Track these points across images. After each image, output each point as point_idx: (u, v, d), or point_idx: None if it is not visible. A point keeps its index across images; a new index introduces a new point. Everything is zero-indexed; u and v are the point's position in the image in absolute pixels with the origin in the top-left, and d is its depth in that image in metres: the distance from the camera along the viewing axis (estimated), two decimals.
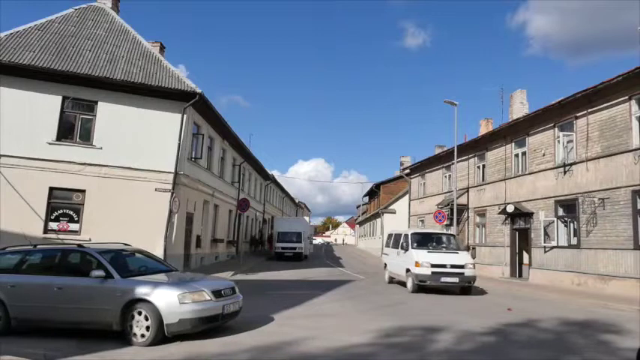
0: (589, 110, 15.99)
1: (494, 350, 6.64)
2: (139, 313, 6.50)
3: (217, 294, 7.09)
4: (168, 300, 6.50)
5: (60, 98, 15.11)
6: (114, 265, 7.06)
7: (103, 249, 7.61)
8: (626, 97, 14.52)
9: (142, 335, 6.44)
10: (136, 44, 18.27)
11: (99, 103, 15.55)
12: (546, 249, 17.65)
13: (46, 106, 14.88)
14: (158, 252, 15.35)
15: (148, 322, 6.44)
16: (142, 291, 6.58)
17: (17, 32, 15.91)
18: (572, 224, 16.86)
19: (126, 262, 7.77)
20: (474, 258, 23.38)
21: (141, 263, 8.16)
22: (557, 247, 17.12)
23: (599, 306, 11.88)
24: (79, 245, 7.67)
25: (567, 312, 10.53)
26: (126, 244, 8.51)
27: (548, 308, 11.26)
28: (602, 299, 12.79)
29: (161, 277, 7.47)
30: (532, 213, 18.67)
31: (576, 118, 16.64)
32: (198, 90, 16.23)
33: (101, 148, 15.27)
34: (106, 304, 6.61)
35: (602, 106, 15.47)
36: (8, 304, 7.06)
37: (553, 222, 17.40)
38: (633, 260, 13.81)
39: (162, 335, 6.44)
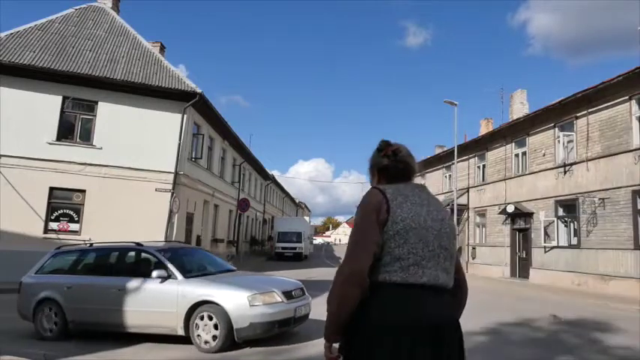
0: (589, 110, 15.98)
1: (490, 350, 6.64)
2: (206, 317, 6.08)
3: (288, 295, 6.57)
4: (237, 302, 6.03)
5: (60, 98, 15.11)
6: (175, 264, 6.61)
7: (162, 247, 7.25)
8: (627, 97, 14.51)
9: (211, 339, 6.03)
10: (136, 44, 18.28)
11: (99, 103, 15.55)
12: (546, 249, 17.65)
13: (46, 106, 14.89)
14: None
15: (216, 327, 6.02)
16: (207, 292, 6.15)
17: (17, 32, 15.92)
18: (572, 224, 16.86)
19: (186, 261, 7.27)
20: (473, 258, 23.45)
21: (200, 261, 7.68)
22: (558, 247, 17.11)
23: (599, 306, 11.88)
24: (138, 243, 7.22)
25: (566, 312, 10.52)
26: (179, 242, 8.32)
27: (546, 308, 11.25)
28: (603, 299, 12.78)
29: (225, 276, 7.01)
30: (532, 213, 18.66)
31: (576, 118, 16.64)
32: (199, 90, 16.23)
33: (101, 148, 15.28)
34: (169, 306, 6.21)
35: (602, 106, 15.47)
36: (65, 307, 6.72)
37: (553, 222, 17.39)
38: (633, 260, 13.81)
39: (232, 341, 6.04)
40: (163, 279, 6.34)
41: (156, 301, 6.31)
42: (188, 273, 6.65)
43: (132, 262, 7.07)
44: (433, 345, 1.67)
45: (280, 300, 6.34)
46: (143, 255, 6.99)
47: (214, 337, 6.01)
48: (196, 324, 6.09)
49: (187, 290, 6.21)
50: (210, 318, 6.05)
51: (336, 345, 1.81)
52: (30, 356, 5.39)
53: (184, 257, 7.37)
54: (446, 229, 1.84)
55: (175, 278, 6.36)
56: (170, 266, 6.50)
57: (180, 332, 6.17)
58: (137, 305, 6.36)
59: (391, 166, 1.94)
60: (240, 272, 7.85)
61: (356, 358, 1.71)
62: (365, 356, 1.68)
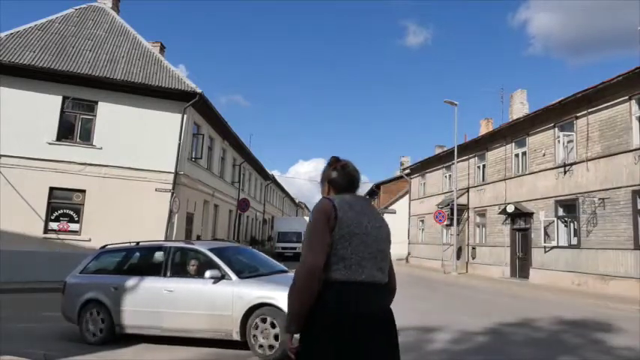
0: (589, 110, 15.98)
1: (492, 350, 6.64)
2: (264, 320, 5.67)
3: None
4: None
5: (60, 98, 15.11)
6: (228, 263, 6.24)
7: (213, 245, 6.85)
8: (627, 97, 14.51)
9: (270, 346, 5.60)
10: (136, 44, 18.28)
11: (99, 103, 15.56)
12: (546, 249, 17.65)
13: (47, 106, 14.89)
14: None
15: (276, 330, 5.56)
16: (266, 294, 5.74)
17: (17, 32, 15.92)
18: (572, 224, 16.85)
19: (238, 261, 6.85)
20: (473, 258, 23.45)
21: (251, 261, 7.31)
22: (558, 247, 17.11)
23: (599, 306, 11.88)
24: (188, 242, 6.93)
25: (566, 312, 10.53)
26: (225, 240, 7.99)
27: (546, 308, 11.25)
28: (603, 299, 12.78)
29: (281, 277, 6.50)
30: (532, 213, 18.66)
31: (576, 118, 16.64)
32: (199, 90, 16.24)
33: (101, 148, 15.28)
34: (223, 309, 5.83)
35: (602, 106, 15.46)
36: (112, 309, 6.41)
37: (553, 222, 17.39)
38: (633, 260, 13.80)
39: None
40: (217, 279, 5.99)
41: (209, 303, 5.93)
42: (241, 273, 6.26)
43: (182, 262, 6.72)
44: (371, 333, 1.99)
45: None
46: (193, 254, 6.66)
47: (276, 341, 5.58)
48: (254, 328, 5.69)
49: (244, 292, 5.82)
50: (269, 322, 5.65)
51: (296, 336, 2.07)
52: (30, 356, 5.38)
53: (235, 256, 6.95)
54: (382, 235, 2.18)
55: (230, 279, 6.01)
56: (224, 266, 6.14)
57: (236, 337, 5.81)
58: (189, 307, 5.99)
59: (339, 178, 2.27)
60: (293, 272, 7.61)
61: (310, 347, 2.00)
62: (316, 345, 1.98)
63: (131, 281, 6.54)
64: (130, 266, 6.99)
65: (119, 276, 6.75)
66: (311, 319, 2.00)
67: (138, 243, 7.20)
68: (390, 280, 2.26)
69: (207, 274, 5.97)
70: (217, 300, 5.91)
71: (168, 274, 6.45)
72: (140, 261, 7.06)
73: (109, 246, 7.48)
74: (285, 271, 7.13)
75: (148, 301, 6.26)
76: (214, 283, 5.98)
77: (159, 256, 6.85)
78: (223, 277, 6.02)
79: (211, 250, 6.51)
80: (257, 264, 7.18)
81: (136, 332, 6.44)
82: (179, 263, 6.68)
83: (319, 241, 2.03)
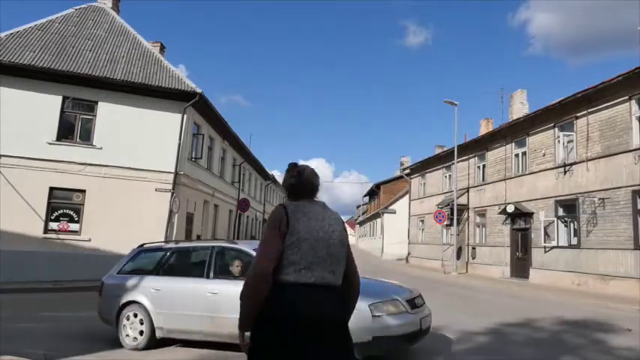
0: (589, 110, 15.98)
1: (493, 350, 6.64)
2: None
3: (412, 304, 5.67)
4: (356, 312, 5.03)
5: (60, 98, 15.11)
6: None
7: (257, 245, 6.48)
8: (627, 97, 14.52)
9: None
10: (136, 44, 18.28)
11: (99, 103, 15.55)
12: (546, 249, 17.65)
13: (46, 106, 14.88)
14: None
15: None
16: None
17: (17, 32, 15.92)
18: (572, 224, 16.85)
19: None
20: (473, 258, 23.45)
21: None
22: (558, 247, 17.11)
23: (600, 306, 11.88)
24: (231, 241, 6.63)
25: (567, 312, 10.52)
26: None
27: (547, 308, 11.25)
28: (603, 299, 12.78)
29: None
30: (532, 213, 18.66)
31: (576, 118, 16.64)
32: (199, 90, 16.24)
33: (101, 148, 15.28)
34: None
35: (602, 106, 15.47)
36: (153, 312, 6.15)
37: (553, 222, 17.40)
38: (633, 260, 13.81)
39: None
40: None
41: None
42: None
43: (225, 263, 6.36)
44: (319, 331, 2.11)
45: (405, 310, 5.45)
46: (237, 254, 6.30)
47: None
48: None
49: None
50: None
51: (247, 333, 2.23)
52: (30, 356, 5.38)
53: None
54: (334, 240, 2.27)
55: None
56: None
57: None
58: (234, 311, 5.40)
59: (297, 184, 2.39)
60: None
61: (259, 343, 2.14)
62: (265, 342, 2.12)
63: (172, 282, 6.28)
64: (170, 267, 6.64)
65: (159, 277, 6.45)
66: (261, 317, 2.16)
67: (177, 242, 6.85)
68: (351, 282, 2.40)
69: None
70: None
71: (211, 275, 6.14)
72: (180, 261, 6.75)
73: (146, 245, 7.22)
74: None
75: (191, 304, 5.98)
76: None
77: (201, 256, 6.55)
78: None
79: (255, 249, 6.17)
80: None
81: (177, 337, 6.20)
82: (222, 264, 6.32)
83: (270, 247, 2.19)
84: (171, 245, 6.94)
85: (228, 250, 6.48)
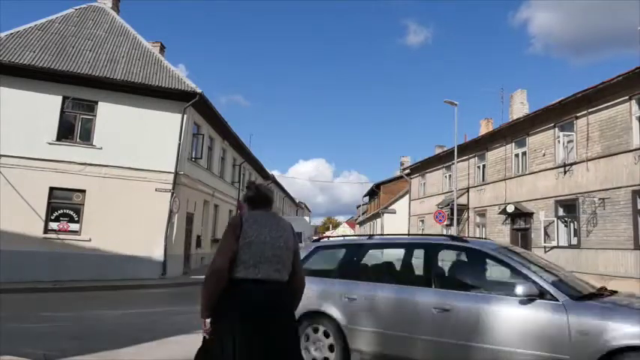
0: (589, 110, 15.99)
1: None
2: None
3: None
4: None
5: (60, 98, 15.12)
6: (537, 274, 4.16)
7: (497, 245, 4.76)
8: (627, 97, 14.52)
9: None
10: (136, 44, 18.29)
11: (99, 103, 15.56)
12: (546, 249, 17.65)
13: (47, 106, 14.89)
14: (158, 252, 15.40)
15: None
16: (631, 331, 3.44)
17: (17, 32, 15.93)
18: (572, 224, 16.86)
19: (539, 269, 4.45)
20: None
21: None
22: (558, 247, 17.12)
23: None
24: (460, 238, 4.98)
25: None
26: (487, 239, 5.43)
27: None
28: None
29: (622, 300, 4.33)
30: (532, 213, 18.67)
31: (576, 118, 16.65)
32: (199, 90, 16.25)
33: (101, 148, 15.28)
34: (552, 349, 3.68)
35: (602, 106, 15.47)
36: (346, 328, 4.70)
37: (553, 222, 17.40)
38: (634, 260, 13.81)
39: None
40: (530, 299, 3.89)
41: (518, 336, 3.86)
42: (573, 292, 4.13)
43: (456, 267, 4.90)
44: (263, 317, 2.53)
45: None
46: (474, 256, 4.70)
47: None
48: None
49: (589, 325, 3.60)
50: None
51: (208, 320, 2.63)
52: (30, 356, 5.38)
53: (532, 264, 4.52)
54: (280, 244, 2.73)
55: (555, 300, 3.84)
56: (538, 279, 4.04)
57: None
58: (479, 338, 3.99)
59: (255, 196, 2.92)
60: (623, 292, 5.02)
61: (216, 327, 2.58)
62: (220, 325, 2.55)
63: (374, 290, 4.74)
64: (366, 269, 5.27)
65: (350, 282, 4.96)
66: (220, 306, 2.59)
67: (371, 236, 5.50)
68: (295, 279, 2.84)
69: (520, 289, 3.88)
70: (534, 332, 3.80)
71: (437, 283, 4.49)
72: (382, 263, 5.35)
73: (325, 240, 5.96)
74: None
75: (408, 323, 4.41)
76: (525, 303, 3.90)
77: (414, 256, 5.03)
78: (542, 295, 3.88)
79: (505, 252, 4.47)
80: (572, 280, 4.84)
81: None
82: (453, 269, 4.88)
83: (225, 249, 2.65)
84: (364, 240, 5.47)
85: (456, 248, 4.88)
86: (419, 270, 4.87)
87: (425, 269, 4.75)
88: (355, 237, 6.05)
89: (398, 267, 5.20)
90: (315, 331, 4.93)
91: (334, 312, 4.81)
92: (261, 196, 2.94)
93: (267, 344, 2.52)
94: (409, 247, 5.18)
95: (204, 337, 2.70)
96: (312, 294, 4.82)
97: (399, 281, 4.89)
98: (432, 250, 4.83)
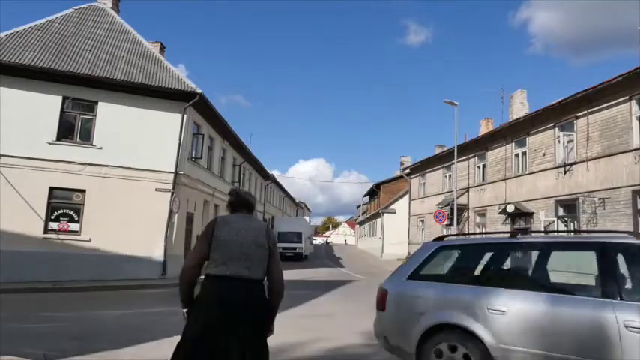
0: (589, 110, 15.99)
1: None
2: None
3: None
4: None
5: (60, 98, 15.12)
6: None
7: None
8: (627, 97, 14.52)
9: None
10: (136, 44, 18.29)
11: (99, 103, 15.56)
12: None
13: (47, 106, 14.89)
14: (158, 252, 15.40)
15: None
16: None
17: (17, 32, 15.93)
18: (572, 224, 16.86)
19: None
20: None
21: None
22: None
23: None
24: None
25: None
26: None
27: None
28: None
29: None
30: (532, 213, 18.67)
31: (576, 118, 16.64)
32: (199, 90, 16.25)
33: (101, 148, 15.28)
34: None
35: (602, 106, 15.47)
36: (495, 349, 3.77)
37: (553, 222, 17.40)
38: None
39: None
40: None
41: None
42: None
43: None
44: (231, 309, 2.76)
45: None
46: None
47: None
48: None
49: None
50: None
51: (184, 310, 2.93)
52: (30, 356, 5.38)
53: None
54: (249, 243, 2.92)
55: None
56: None
57: None
58: None
59: (235, 201, 3.18)
60: None
61: (191, 314, 2.86)
62: (194, 313, 2.84)
63: (533, 302, 3.78)
64: (515, 275, 4.48)
65: (492, 289, 4.00)
66: (196, 298, 2.91)
67: (515, 234, 4.51)
68: (270, 278, 3.01)
69: None
70: None
71: (624, 295, 3.53)
72: (536, 266, 4.25)
73: (449, 239, 5.19)
74: None
75: (586, 345, 3.47)
76: None
77: (582, 259, 4.17)
78: None
79: None
80: None
81: None
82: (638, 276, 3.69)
83: (196, 249, 2.95)
84: (507, 239, 4.48)
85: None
86: (591, 277, 3.95)
87: (602, 275, 3.78)
88: (489, 236, 4.92)
89: (558, 273, 4.27)
90: (453, 349, 4.01)
91: (478, 328, 3.86)
92: (240, 200, 3.18)
93: (230, 332, 2.74)
94: (574, 248, 4.41)
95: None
96: (442, 303, 4.18)
97: (561, 290, 4.00)
98: (609, 250, 3.94)
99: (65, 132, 15.26)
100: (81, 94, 15.41)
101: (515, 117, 23.16)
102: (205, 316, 2.77)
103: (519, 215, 19.53)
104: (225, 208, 3.29)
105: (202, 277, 2.96)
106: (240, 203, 3.18)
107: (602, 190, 15.16)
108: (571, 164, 16.75)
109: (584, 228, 15.83)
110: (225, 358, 2.69)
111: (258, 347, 2.88)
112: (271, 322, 3.05)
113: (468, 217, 24.33)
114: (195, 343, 2.72)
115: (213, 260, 2.86)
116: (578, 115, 16.52)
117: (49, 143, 14.75)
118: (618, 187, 14.59)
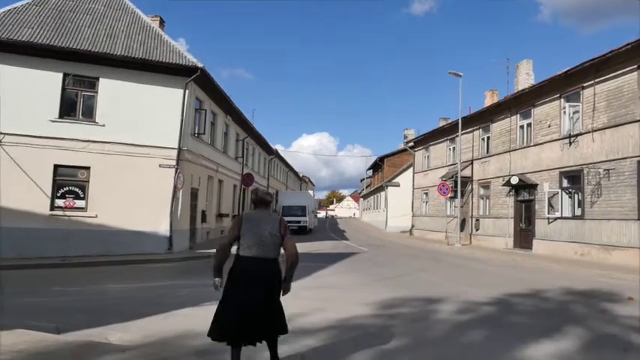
0: (596, 80, 15.74)
1: (497, 319, 6.72)
2: None
3: None
4: None
5: (61, 75, 14.98)
6: None
7: None
8: (635, 67, 14.27)
9: None
10: (135, 18, 18.01)
11: (100, 79, 15.43)
12: (550, 220, 17.68)
13: (47, 83, 14.78)
14: (164, 227, 15.55)
15: None
16: None
17: (15, 9, 15.69)
18: (576, 195, 16.84)
19: None
20: (477, 230, 23.57)
21: None
22: (561, 218, 17.14)
23: (603, 276, 11.97)
24: None
25: (571, 282, 10.62)
26: None
27: (551, 278, 11.35)
28: (606, 269, 12.87)
29: None
30: (536, 184, 18.63)
31: (583, 88, 16.41)
32: (200, 64, 16.06)
33: (104, 125, 15.24)
34: None
35: (609, 76, 15.23)
36: None
37: (557, 193, 17.38)
38: (637, 230, 13.83)
39: None
40: None
41: None
42: None
43: None
44: (252, 278, 3.93)
45: None
46: None
47: None
48: None
49: None
50: None
51: (217, 279, 4.06)
52: (42, 329, 5.50)
53: None
54: (266, 234, 4.02)
55: None
56: None
57: None
58: None
59: (255, 199, 4.27)
60: None
61: (228, 281, 4.00)
62: (226, 281, 4.00)
63: None
64: None
65: None
66: (230, 270, 4.01)
67: None
68: (286, 253, 4.08)
69: None
70: None
71: None
72: None
73: None
74: None
75: None
76: None
77: None
78: None
79: None
80: None
81: None
82: None
83: (230, 234, 4.08)
84: None
85: None
86: None
87: None
88: None
89: None
90: None
91: None
92: (259, 199, 4.26)
93: (253, 291, 3.91)
94: None
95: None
96: None
97: None
98: None
99: (67, 109, 15.19)
100: (82, 71, 15.27)
101: (520, 88, 22.85)
102: (237, 279, 3.96)
103: (523, 187, 19.50)
104: (249, 204, 4.43)
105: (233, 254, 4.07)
106: (259, 201, 4.26)
107: (608, 160, 15.07)
108: (576, 135, 16.61)
109: (588, 199, 15.82)
110: (251, 301, 3.88)
111: (270, 298, 3.99)
112: (289, 282, 4.11)
113: (472, 189, 24.33)
114: (233, 292, 3.94)
115: (241, 245, 4.01)
116: (585, 85, 16.28)
117: (52, 121, 14.70)
118: (624, 158, 14.50)
